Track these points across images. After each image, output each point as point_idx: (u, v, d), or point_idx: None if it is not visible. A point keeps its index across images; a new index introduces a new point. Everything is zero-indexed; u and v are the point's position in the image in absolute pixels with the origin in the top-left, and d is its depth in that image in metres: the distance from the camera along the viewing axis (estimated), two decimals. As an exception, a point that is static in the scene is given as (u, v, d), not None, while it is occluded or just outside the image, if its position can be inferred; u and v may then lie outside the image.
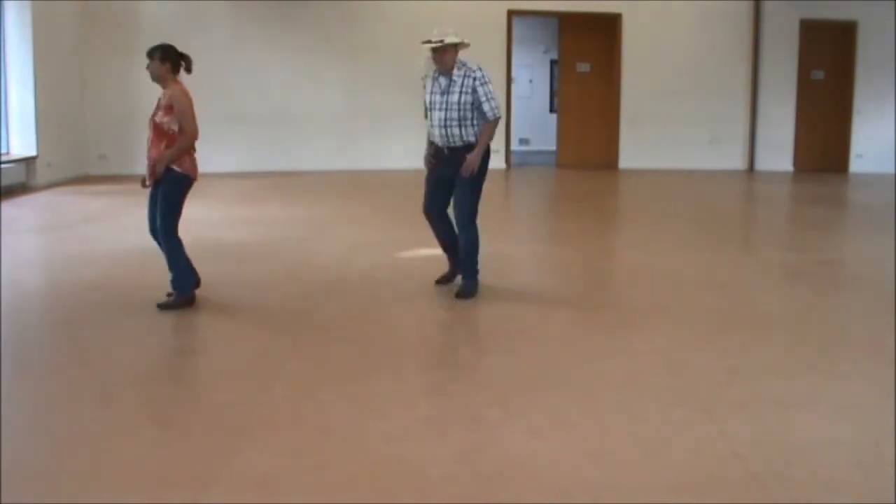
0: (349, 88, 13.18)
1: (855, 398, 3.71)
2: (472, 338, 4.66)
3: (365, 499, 2.75)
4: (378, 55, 12.77)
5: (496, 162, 13.56)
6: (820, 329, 4.89)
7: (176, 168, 5.05)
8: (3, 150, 10.71)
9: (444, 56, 5.28)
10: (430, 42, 5.25)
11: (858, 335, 4.76)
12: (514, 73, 14.49)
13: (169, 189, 5.09)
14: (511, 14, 13.55)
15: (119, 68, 12.06)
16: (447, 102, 5.33)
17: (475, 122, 5.40)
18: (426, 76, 5.48)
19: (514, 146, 15.12)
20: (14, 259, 6.59)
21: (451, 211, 5.65)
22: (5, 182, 9.98)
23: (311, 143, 13.19)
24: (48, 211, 9.42)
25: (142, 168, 5.41)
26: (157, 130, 5.06)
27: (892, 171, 13.68)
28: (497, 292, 5.64)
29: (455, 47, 5.33)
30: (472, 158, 5.42)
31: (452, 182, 5.49)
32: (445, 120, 5.36)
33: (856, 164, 14.33)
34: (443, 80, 5.37)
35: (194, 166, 5.19)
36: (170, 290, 5.21)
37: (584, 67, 14.26)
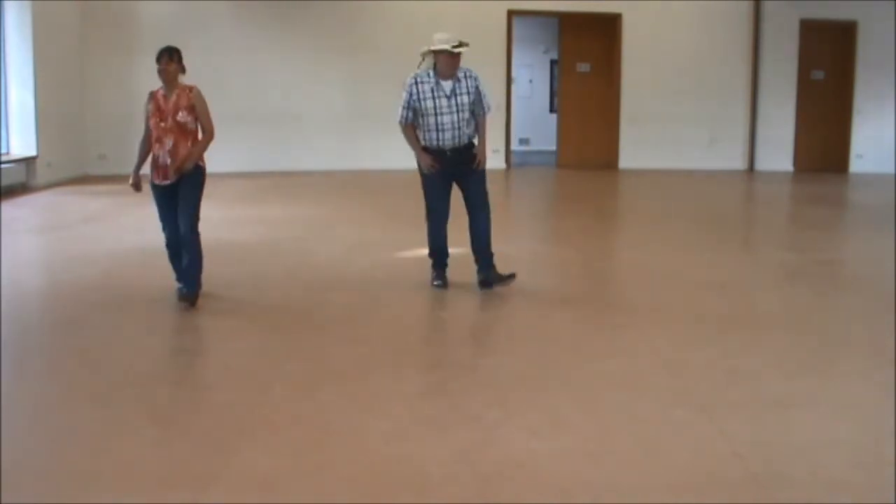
0: (349, 88, 13.19)
1: (855, 398, 3.71)
2: (472, 338, 4.66)
3: (365, 499, 2.75)
4: (378, 55, 12.77)
5: (496, 162, 13.66)
6: (820, 329, 4.89)
7: (200, 163, 5.28)
8: (3, 150, 10.71)
9: (459, 60, 5.41)
10: (447, 47, 5.29)
11: (858, 335, 4.76)
12: (514, 73, 14.49)
13: (198, 182, 5.28)
14: (511, 14, 13.55)
15: (119, 68, 12.07)
16: (457, 105, 5.43)
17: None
18: (420, 82, 5.40)
19: (514, 146, 15.11)
20: (14, 259, 6.59)
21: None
22: (5, 182, 9.97)
23: (311, 143, 13.19)
24: (48, 211, 9.42)
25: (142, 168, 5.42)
26: (182, 129, 5.18)
27: (892, 171, 13.67)
28: (497, 292, 5.63)
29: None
30: (483, 150, 5.77)
31: (453, 181, 5.62)
32: (458, 122, 5.47)
33: (856, 164, 14.32)
34: (446, 84, 5.41)
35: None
36: (182, 289, 5.23)
37: (584, 67, 14.26)
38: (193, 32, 12.26)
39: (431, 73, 5.40)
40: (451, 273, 5.82)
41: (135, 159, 5.33)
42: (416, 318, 5.23)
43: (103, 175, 12.19)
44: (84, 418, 3.44)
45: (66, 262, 6.61)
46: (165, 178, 5.20)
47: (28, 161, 10.75)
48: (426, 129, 5.49)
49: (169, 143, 5.16)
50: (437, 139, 5.49)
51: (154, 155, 5.23)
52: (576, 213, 9.65)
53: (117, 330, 4.77)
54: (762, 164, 14.21)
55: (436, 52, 5.34)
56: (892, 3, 13.67)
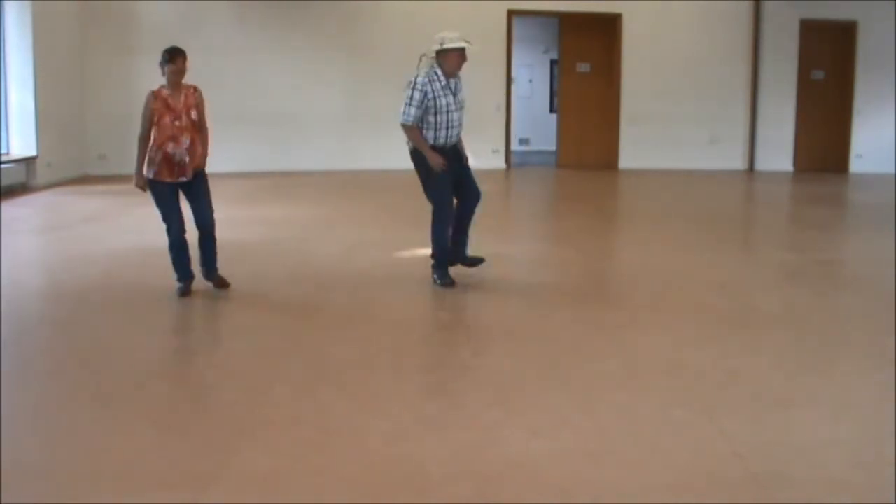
0: (349, 88, 13.19)
1: (855, 398, 3.71)
2: (472, 338, 4.66)
3: (365, 499, 2.75)
4: (378, 55, 12.77)
5: (496, 162, 13.66)
6: (820, 329, 4.89)
7: None
8: (3, 150, 10.71)
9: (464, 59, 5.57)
10: (463, 45, 5.45)
11: (858, 335, 4.76)
12: (514, 73, 14.49)
13: (206, 177, 5.49)
14: (511, 14, 13.55)
15: (119, 68, 12.07)
16: (458, 102, 5.60)
17: None
18: (432, 80, 5.44)
19: (514, 146, 15.11)
20: (14, 259, 6.59)
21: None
22: (5, 182, 9.97)
23: (311, 144, 13.19)
24: (48, 211, 9.42)
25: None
26: (195, 127, 5.35)
27: (892, 171, 13.67)
28: (497, 292, 5.64)
29: None
30: (463, 144, 5.84)
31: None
32: (460, 118, 5.64)
33: (856, 164, 14.32)
34: (451, 83, 5.54)
35: None
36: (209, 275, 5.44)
37: (584, 67, 14.26)
38: (193, 32, 12.25)
39: (439, 72, 5.47)
40: (451, 273, 5.82)
41: (135, 160, 5.33)
42: (416, 318, 5.23)
43: (103, 175, 12.19)
44: (84, 418, 3.44)
45: (66, 262, 6.61)
46: (182, 175, 5.31)
47: (28, 161, 10.75)
48: (437, 126, 5.53)
49: (186, 141, 5.27)
50: (446, 136, 5.57)
51: (168, 153, 5.25)
52: (576, 213, 9.65)
53: (117, 330, 4.77)
54: (762, 164, 14.21)
55: (448, 51, 5.43)
56: (892, 3, 13.67)
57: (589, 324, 4.95)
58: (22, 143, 10.82)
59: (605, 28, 13.95)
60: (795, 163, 14.33)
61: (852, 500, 2.76)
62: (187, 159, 5.30)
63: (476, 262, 5.85)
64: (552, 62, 17.66)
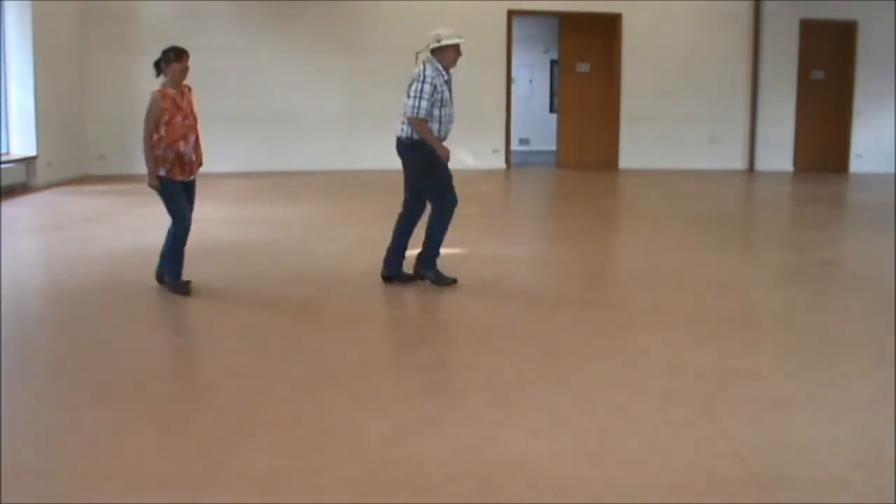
0: (349, 88, 13.19)
1: (855, 398, 3.71)
2: (472, 338, 4.65)
3: (365, 499, 2.75)
4: (378, 55, 12.77)
5: (496, 162, 13.67)
6: (820, 329, 4.89)
7: None
8: (3, 150, 10.71)
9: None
10: (460, 41, 5.55)
11: (858, 335, 4.76)
12: (514, 73, 14.49)
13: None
14: (511, 14, 13.55)
15: (119, 68, 12.07)
16: (453, 97, 5.65)
17: None
18: (438, 74, 5.50)
19: (514, 146, 15.11)
20: (14, 259, 6.59)
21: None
22: (5, 182, 9.97)
23: (311, 143, 13.19)
24: (48, 211, 9.42)
25: (142, 167, 5.43)
26: (195, 126, 5.42)
27: (892, 171, 13.68)
28: (497, 292, 5.64)
29: None
30: None
31: None
32: (454, 112, 5.69)
33: (856, 164, 14.32)
34: (448, 78, 5.62)
35: None
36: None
37: (584, 67, 14.26)
38: (193, 32, 12.24)
39: (439, 67, 5.53)
40: (451, 273, 5.82)
41: (144, 160, 5.32)
42: (415, 318, 5.23)
43: (103, 175, 12.20)
44: (84, 418, 3.44)
45: (66, 262, 6.61)
46: (191, 173, 5.44)
47: (28, 161, 10.75)
48: (440, 120, 5.57)
49: (192, 139, 5.38)
50: (447, 130, 5.66)
51: (181, 152, 5.32)
52: (576, 213, 9.65)
53: (117, 330, 4.77)
54: (762, 164, 14.21)
55: (446, 47, 5.51)
56: (892, 3, 13.68)
57: (589, 324, 4.95)
58: (22, 143, 10.82)
59: (605, 28, 13.95)
60: (795, 163, 14.33)
61: (852, 500, 2.76)
62: (193, 157, 5.42)
63: (415, 279, 5.70)
64: (552, 62, 17.67)
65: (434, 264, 5.69)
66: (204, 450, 3.11)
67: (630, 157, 14.06)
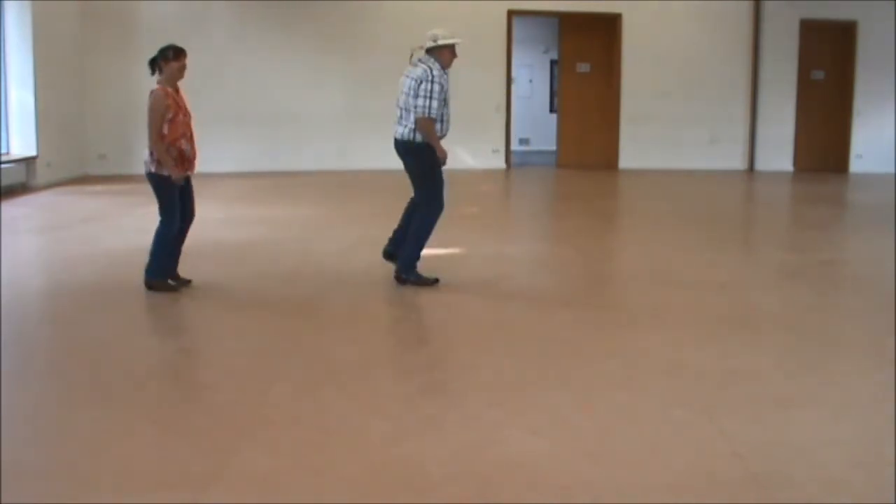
0: (349, 88, 13.19)
1: (855, 398, 3.71)
2: (472, 338, 4.65)
3: (365, 499, 2.75)
4: (378, 55, 12.76)
5: (496, 162, 13.67)
6: (820, 329, 4.89)
7: None
8: (3, 150, 10.71)
9: None
10: (451, 41, 5.57)
11: (858, 335, 4.76)
12: (514, 73, 14.49)
13: None
14: (511, 14, 13.56)
15: (119, 68, 12.07)
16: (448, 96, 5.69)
17: None
18: (442, 74, 5.52)
19: (514, 146, 15.12)
20: (14, 259, 6.59)
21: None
22: (5, 182, 9.97)
23: (311, 144, 13.19)
24: (48, 211, 9.42)
25: (142, 167, 5.45)
26: (191, 123, 5.48)
27: (892, 171, 13.68)
28: (497, 292, 5.64)
29: None
30: None
31: None
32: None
33: (856, 164, 14.33)
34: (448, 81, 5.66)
35: None
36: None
37: (584, 67, 14.26)
38: (193, 32, 12.25)
39: (439, 66, 5.54)
40: (451, 273, 5.82)
41: (161, 157, 5.33)
42: (415, 318, 5.23)
43: (103, 175, 12.20)
44: (84, 418, 3.43)
45: (66, 262, 6.61)
46: (190, 170, 5.50)
47: (28, 161, 10.75)
48: (443, 119, 5.58)
49: (190, 135, 5.44)
50: (447, 128, 5.67)
51: (182, 149, 5.37)
52: (576, 213, 9.65)
53: (117, 330, 4.77)
54: (762, 164, 14.22)
55: (442, 47, 5.53)
56: (892, 3, 13.68)
57: (589, 324, 4.95)
58: (22, 142, 10.82)
59: (605, 28, 13.95)
60: (795, 163, 14.33)
61: (852, 500, 2.76)
62: (192, 155, 5.48)
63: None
64: (552, 62, 17.67)
65: (414, 268, 5.68)
66: (204, 450, 3.11)
67: (630, 157, 14.06)
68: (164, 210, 5.41)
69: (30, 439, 3.24)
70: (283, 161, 13.02)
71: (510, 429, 3.29)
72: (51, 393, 3.77)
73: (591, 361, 4.18)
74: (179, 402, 3.73)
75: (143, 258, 5.50)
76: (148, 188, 5.48)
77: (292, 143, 13.14)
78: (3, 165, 10.08)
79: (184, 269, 5.70)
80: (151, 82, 5.40)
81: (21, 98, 10.77)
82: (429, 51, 5.56)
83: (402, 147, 5.63)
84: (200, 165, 5.47)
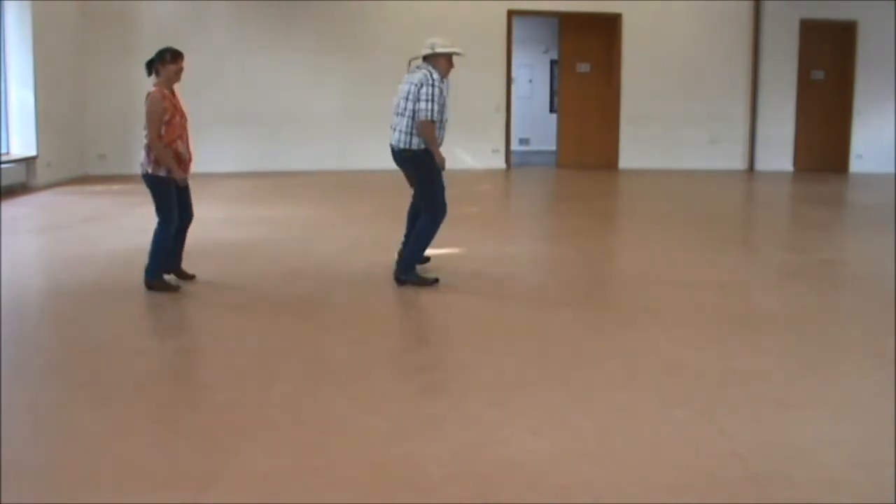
0: (349, 88, 13.19)
1: (855, 398, 3.71)
2: (473, 338, 4.65)
3: (365, 499, 2.75)
4: (377, 55, 12.78)
5: (496, 162, 13.67)
6: (820, 329, 4.89)
7: None
8: (3, 150, 10.72)
9: None
10: (448, 50, 5.61)
11: (858, 335, 4.76)
12: (514, 73, 14.50)
13: None
14: (511, 14, 13.56)
15: (119, 68, 12.08)
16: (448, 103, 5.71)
17: None
18: (440, 79, 5.55)
19: (514, 146, 15.13)
20: (14, 259, 6.59)
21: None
22: (5, 182, 9.98)
23: (311, 144, 13.20)
24: (48, 211, 9.42)
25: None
26: (187, 125, 5.52)
27: (892, 171, 13.68)
28: (497, 292, 5.64)
29: None
30: None
31: None
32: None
33: (856, 164, 14.33)
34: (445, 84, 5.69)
35: None
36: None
37: (584, 67, 14.26)
38: (193, 32, 12.27)
39: (437, 74, 5.56)
40: (451, 273, 5.82)
41: (164, 159, 5.35)
42: (415, 318, 5.23)
43: (103, 175, 12.21)
44: (84, 418, 3.44)
45: (66, 262, 6.61)
46: (187, 171, 5.54)
47: (28, 161, 10.75)
48: (441, 125, 5.62)
49: (186, 138, 5.48)
50: (443, 134, 5.68)
51: (178, 151, 5.42)
52: (576, 213, 9.64)
53: (117, 330, 4.77)
54: (762, 164, 14.22)
55: (439, 55, 5.57)
56: (893, 3, 13.68)
57: (589, 324, 4.95)
58: (22, 142, 10.82)
59: (605, 28, 13.95)
60: (795, 163, 14.33)
61: (852, 500, 2.76)
62: (188, 156, 5.51)
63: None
64: (552, 62, 17.68)
65: (413, 269, 5.69)
66: (204, 450, 3.11)
67: (630, 157, 14.06)
68: (161, 211, 5.42)
69: (30, 439, 3.24)
70: (283, 161, 13.03)
71: (510, 429, 3.29)
72: (51, 393, 3.77)
73: (591, 361, 4.18)
74: (179, 402, 3.73)
75: (143, 258, 5.51)
76: (146, 189, 5.49)
77: (292, 143, 13.15)
78: (3, 165, 10.09)
79: (184, 268, 5.72)
80: (151, 83, 5.40)
81: (21, 98, 10.78)
82: (426, 58, 5.59)
83: (399, 156, 5.64)
84: (200, 165, 5.50)
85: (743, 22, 13.99)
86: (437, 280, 5.66)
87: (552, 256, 7.22)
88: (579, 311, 5.24)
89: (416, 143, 5.53)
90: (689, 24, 13.95)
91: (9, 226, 7.97)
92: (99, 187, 11.14)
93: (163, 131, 5.28)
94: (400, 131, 5.55)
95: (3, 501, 2.66)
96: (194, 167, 5.73)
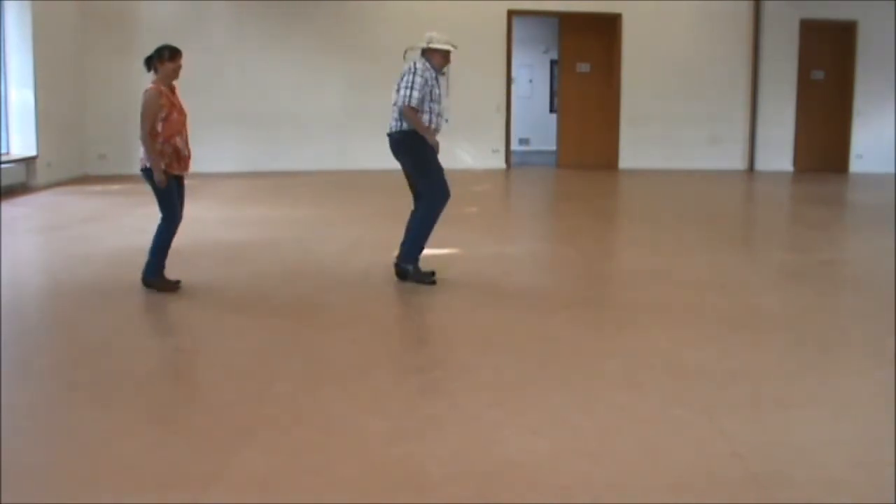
0: (348, 88, 13.19)
1: (855, 398, 3.71)
2: (472, 337, 4.65)
3: (365, 499, 2.75)
4: (378, 55, 12.76)
5: (496, 162, 13.67)
6: (820, 329, 4.89)
7: None
8: (3, 150, 10.72)
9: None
10: (450, 48, 5.69)
11: (858, 335, 4.76)
12: (514, 73, 14.50)
13: None
14: (511, 14, 13.56)
15: (119, 68, 12.07)
16: (442, 94, 5.78)
17: None
18: (428, 69, 5.61)
19: (514, 146, 15.12)
20: (14, 259, 6.59)
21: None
22: (5, 182, 9.98)
23: (310, 144, 13.20)
24: (48, 211, 9.42)
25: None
26: (186, 121, 5.49)
27: (892, 171, 13.68)
28: (497, 292, 5.64)
29: None
30: None
31: None
32: (446, 109, 5.87)
33: (856, 164, 14.34)
34: (438, 75, 5.73)
35: None
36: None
37: (584, 67, 14.27)
38: (193, 32, 12.27)
39: (428, 64, 5.63)
40: (451, 273, 5.82)
41: (148, 159, 5.33)
42: (415, 318, 5.23)
43: (103, 175, 12.21)
44: (84, 418, 3.44)
45: (66, 262, 6.61)
46: (186, 167, 5.52)
47: (28, 161, 10.75)
48: (430, 112, 5.64)
49: (185, 134, 5.47)
50: (437, 123, 5.72)
51: (177, 147, 5.41)
52: (576, 213, 9.64)
53: (117, 330, 4.77)
54: (762, 164, 14.22)
55: (434, 50, 5.64)
56: (893, 3, 13.68)
57: (589, 324, 4.95)
58: (22, 142, 10.82)
59: (605, 28, 13.96)
60: (795, 163, 14.34)
61: (852, 500, 2.76)
62: (187, 152, 5.50)
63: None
64: (552, 62, 17.68)
65: (416, 259, 5.69)
66: (204, 450, 3.11)
67: (630, 157, 14.06)
68: (163, 207, 5.42)
69: (30, 439, 3.24)
70: (283, 161, 13.03)
71: (510, 429, 3.29)
72: (51, 393, 3.77)
73: (591, 361, 4.18)
74: (179, 402, 3.73)
75: (144, 258, 5.50)
76: (147, 187, 5.48)
77: (292, 143, 13.15)
78: (3, 165, 10.09)
79: (184, 268, 5.71)
80: (150, 80, 5.40)
81: (21, 98, 10.78)
82: (423, 51, 5.69)
83: (394, 141, 5.69)
84: (200, 165, 5.49)
85: (743, 22, 13.99)
86: (433, 273, 5.68)
87: (552, 256, 7.22)
88: (579, 311, 5.23)
89: (405, 125, 5.63)
90: (689, 24, 13.96)
91: (9, 226, 7.97)
92: (99, 187, 11.14)
93: (160, 128, 5.29)
94: (394, 119, 5.67)
95: (3, 501, 2.66)
96: (193, 166, 5.72)
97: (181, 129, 5.43)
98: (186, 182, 5.64)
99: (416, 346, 4.68)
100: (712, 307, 5.28)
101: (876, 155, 14.14)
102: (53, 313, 5.29)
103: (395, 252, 5.84)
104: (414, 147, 5.63)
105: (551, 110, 17.63)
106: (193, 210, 5.74)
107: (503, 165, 13.73)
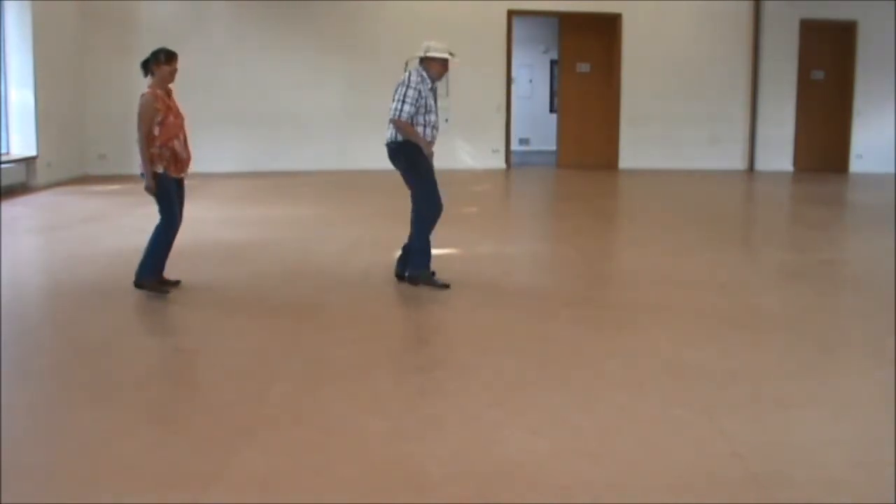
0: (348, 88, 13.19)
1: (855, 398, 3.71)
2: (472, 337, 4.65)
3: (365, 499, 2.75)
4: (377, 55, 12.78)
5: (496, 162, 13.67)
6: (820, 329, 4.89)
7: None
8: (3, 150, 10.72)
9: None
10: (448, 57, 5.66)
11: (858, 335, 4.76)
12: (514, 73, 14.50)
13: None
14: (511, 14, 13.56)
15: (119, 68, 12.07)
16: (438, 104, 5.83)
17: None
18: (423, 80, 5.61)
19: (514, 146, 15.12)
20: (14, 259, 6.59)
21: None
22: (5, 182, 9.98)
23: (311, 144, 13.20)
24: (48, 211, 9.42)
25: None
26: (184, 124, 5.48)
27: (892, 171, 13.68)
28: (497, 292, 5.64)
29: None
30: None
31: None
32: (439, 119, 5.82)
33: (856, 164, 14.33)
34: (435, 86, 5.75)
35: None
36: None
37: (584, 67, 14.27)
38: (193, 32, 12.28)
39: (425, 75, 5.64)
40: (451, 273, 5.82)
41: (141, 163, 5.33)
42: (415, 318, 5.23)
43: (103, 175, 12.21)
44: (84, 418, 3.44)
45: (66, 261, 6.61)
46: (184, 170, 5.52)
47: (28, 161, 10.75)
48: (426, 124, 5.65)
49: (183, 137, 5.46)
50: (432, 135, 5.71)
51: (175, 150, 5.40)
52: (576, 213, 9.64)
53: (117, 330, 4.77)
54: (762, 164, 14.22)
55: (432, 59, 5.64)
56: (892, 3, 13.68)
57: (589, 324, 4.95)
58: (22, 142, 10.82)
59: (605, 28, 13.96)
60: (795, 163, 14.33)
61: (852, 500, 2.76)
62: (185, 156, 5.49)
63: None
64: (552, 62, 17.68)
65: (420, 265, 5.68)
66: (204, 450, 3.11)
67: (630, 157, 14.06)
68: (162, 208, 5.42)
69: (30, 439, 3.24)
70: (283, 161, 13.03)
71: (510, 429, 3.29)
72: (51, 393, 3.77)
73: (591, 361, 4.18)
74: (179, 402, 3.73)
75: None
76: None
77: (292, 143, 13.15)
78: (3, 165, 10.09)
79: (184, 268, 5.72)
80: (147, 83, 5.41)
81: (21, 98, 10.78)
82: (421, 60, 5.68)
83: (391, 151, 5.72)
84: (200, 165, 5.49)
85: (743, 22, 13.99)
86: (433, 274, 5.67)
87: (552, 256, 7.22)
88: (579, 311, 5.23)
89: (400, 135, 5.64)
90: (689, 24, 13.95)
91: (9, 226, 7.97)
92: (99, 187, 11.14)
93: (157, 132, 5.29)
94: (389, 128, 5.69)
95: (3, 501, 2.66)
96: (193, 167, 5.71)
97: (178, 132, 5.42)
98: (186, 182, 5.63)
99: (416, 346, 4.68)
100: (712, 307, 5.28)
101: (876, 155, 14.14)
102: (53, 313, 5.29)
103: (396, 253, 5.84)
104: (410, 157, 5.64)
105: (551, 110, 17.63)
106: (193, 210, 5.73)
107: (503, 165, 13.73)
